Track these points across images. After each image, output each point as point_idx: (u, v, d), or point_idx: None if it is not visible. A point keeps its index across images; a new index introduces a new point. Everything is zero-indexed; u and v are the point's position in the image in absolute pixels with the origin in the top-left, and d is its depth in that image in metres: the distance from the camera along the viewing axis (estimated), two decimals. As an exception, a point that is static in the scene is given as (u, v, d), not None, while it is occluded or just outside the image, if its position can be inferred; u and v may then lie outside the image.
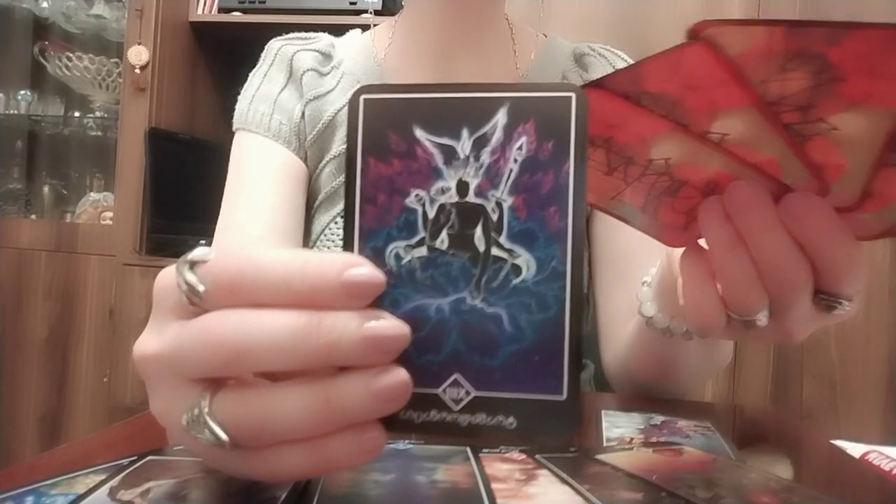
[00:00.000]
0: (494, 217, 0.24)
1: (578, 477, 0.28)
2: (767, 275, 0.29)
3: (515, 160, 0.24)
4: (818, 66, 0.22)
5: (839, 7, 1.42)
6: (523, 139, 0.24)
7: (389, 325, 0.22)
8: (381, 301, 0.23)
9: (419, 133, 0.24)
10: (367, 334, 0.21)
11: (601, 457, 0.32)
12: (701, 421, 0.41)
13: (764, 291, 0.30)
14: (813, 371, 1.43)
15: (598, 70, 0.69)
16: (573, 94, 0.23)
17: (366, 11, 1.64)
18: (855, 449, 0.52)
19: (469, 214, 0.24)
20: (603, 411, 0.43)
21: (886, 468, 0.49)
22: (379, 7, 1.65)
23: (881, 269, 1.40)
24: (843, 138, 0.25)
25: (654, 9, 1.47)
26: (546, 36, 0.73)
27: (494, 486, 0.27)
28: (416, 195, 0.24)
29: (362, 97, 0.25)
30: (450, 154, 0.24)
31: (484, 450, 0.32)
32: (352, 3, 1.67)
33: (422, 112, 0.24)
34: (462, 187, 0.24)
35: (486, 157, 0.24)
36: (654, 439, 0.36)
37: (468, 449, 0.32)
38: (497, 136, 0.24)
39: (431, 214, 0.24)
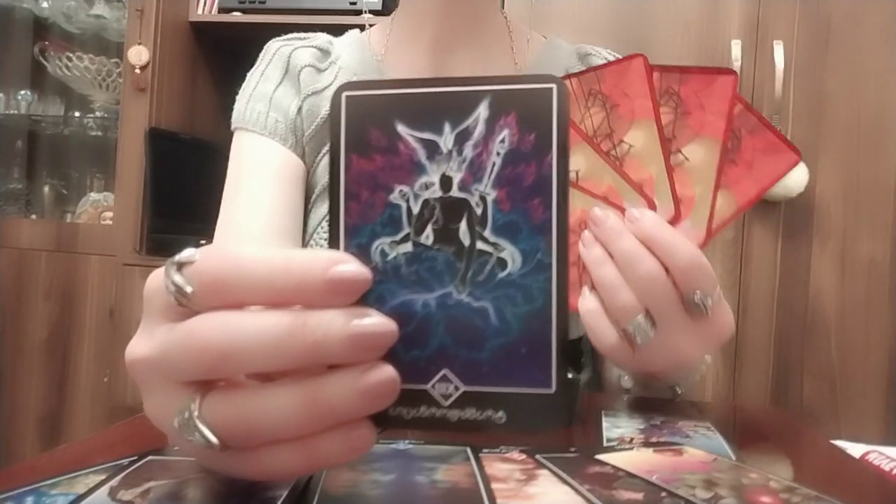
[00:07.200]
0: (478, 211, 0.24)
1: (578, 477, 0.28)
2: (632, 280, 0.38)
3: (498, 153, 0.24)
4: (601, 99, 0.30)
5: (840, 7, 1.42)
6: (505, 132, 0.24)
7: (376, 323, 0.22)
8: (367, 298, 0.23)
9: (401, 128, 0.24)
10: (353, 332, 0.21)
11: (601, 457, 0.31)
12: (701, 421, 0.41)
13: (633, 296, 0.38)
14: (813, 371, 1.43)
15: None
16: (554, 86, 0.23)
17: (366, 12, 1.64)
18: (855, 449, 0.52)
19: (453, 209, 0.24)
20: (603, 411, 0.43)
21: (886, 468, 0.49)
22: (378, 7, 1.65)
23: (881, 269, 1.40)
24: (637, 153, 0.32)
25: (654, 9, 1.47)
26: (546, 38, 0.73)
27: (494, 486, 0.27)
28: (400, 191, 0.24)
29: (344, 94, 0.25)
30: (432, 149, 0.24)
31: (484, 450, 0.32)
32: (352, 3, 1.67)
33: (403, 107, 0.24)
34: (445, 182, 0.24)
35: (468, 150, 0.24)
36: (654, 439, 0.36)
37: (468, 449, 0.32)
38: (479, 130, 0.24)
39: (416, 210, 0.24)
